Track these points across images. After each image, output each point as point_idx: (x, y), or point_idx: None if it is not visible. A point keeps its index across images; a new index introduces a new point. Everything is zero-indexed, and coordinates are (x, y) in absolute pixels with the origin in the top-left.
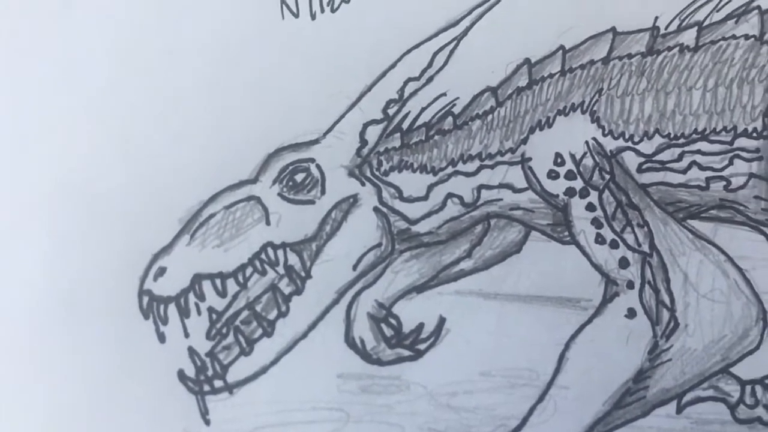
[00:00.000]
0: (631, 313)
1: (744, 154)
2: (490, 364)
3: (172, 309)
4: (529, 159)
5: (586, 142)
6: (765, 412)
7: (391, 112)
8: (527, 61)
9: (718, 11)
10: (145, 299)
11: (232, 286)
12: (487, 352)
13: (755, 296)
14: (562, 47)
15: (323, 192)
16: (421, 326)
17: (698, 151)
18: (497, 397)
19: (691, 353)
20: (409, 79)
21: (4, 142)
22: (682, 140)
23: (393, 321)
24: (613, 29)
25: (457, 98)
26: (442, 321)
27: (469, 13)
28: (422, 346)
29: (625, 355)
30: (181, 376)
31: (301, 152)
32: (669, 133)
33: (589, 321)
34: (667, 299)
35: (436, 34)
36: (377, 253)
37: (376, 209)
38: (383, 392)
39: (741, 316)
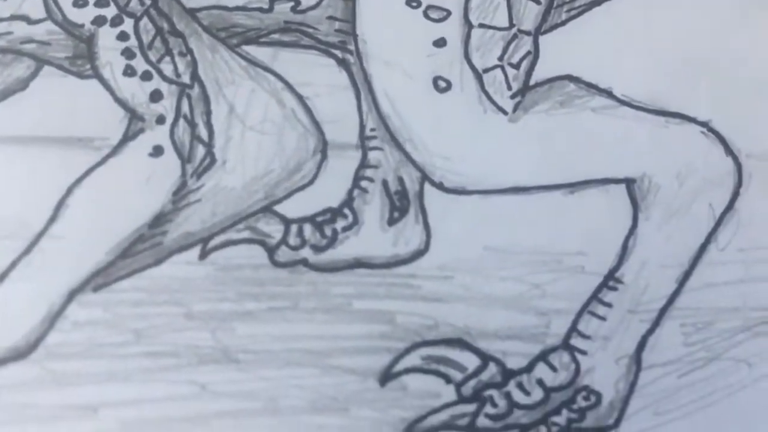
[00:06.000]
0: (157, 151)
1: None
2: None
3: None
4: None
5: None
6: (312, 252)
7: None
8: None
9: None
10: None
11: None
12: None
13: (315, 126)
14: None
15: None
16: None
17: None
18: None
19: (227, 192)
20: None
21: None
22: None
23: None
24: None
25: None
26: None
27: None
28: None
29: (143, 199)
30: None
31: None
32: None
33: (102, 162)
34: (205, 133)
35: None
36: None
37: None
38: None
39: (295, 148)
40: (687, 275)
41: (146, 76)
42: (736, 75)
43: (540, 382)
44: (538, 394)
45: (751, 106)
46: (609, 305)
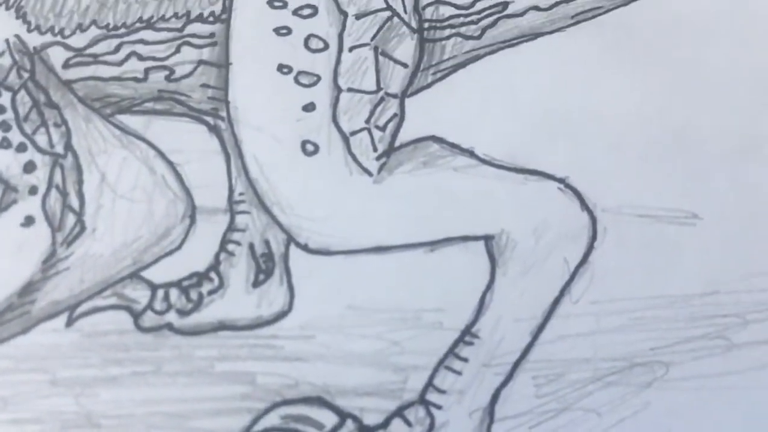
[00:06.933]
0: (28, 221)
1: (194, 41)
2: None
3: None
4: None
5: (6, 40)
6: (177, 317)
7: None
8: None
9: None
10: None
11: None
12: None
13: (184, 191)
14: None
15: None
16: None
17: (140, 41)
18: None
19: (95, 259)
20: None
21: None
22: (122, 30)
23: None
24: None
25: None
26: None
27: None
28: None
29: (13, 268)
30: None
31: None
32: (108, 24)
33: None
34: (76, 202)
35: None
36: None
37: None
38: None
39: (164, 214)
40: (540, 328)
41: (21, 148)
42: (592, 132)
43: None
44: None
45: (606, 161)
46: (465, 360)
